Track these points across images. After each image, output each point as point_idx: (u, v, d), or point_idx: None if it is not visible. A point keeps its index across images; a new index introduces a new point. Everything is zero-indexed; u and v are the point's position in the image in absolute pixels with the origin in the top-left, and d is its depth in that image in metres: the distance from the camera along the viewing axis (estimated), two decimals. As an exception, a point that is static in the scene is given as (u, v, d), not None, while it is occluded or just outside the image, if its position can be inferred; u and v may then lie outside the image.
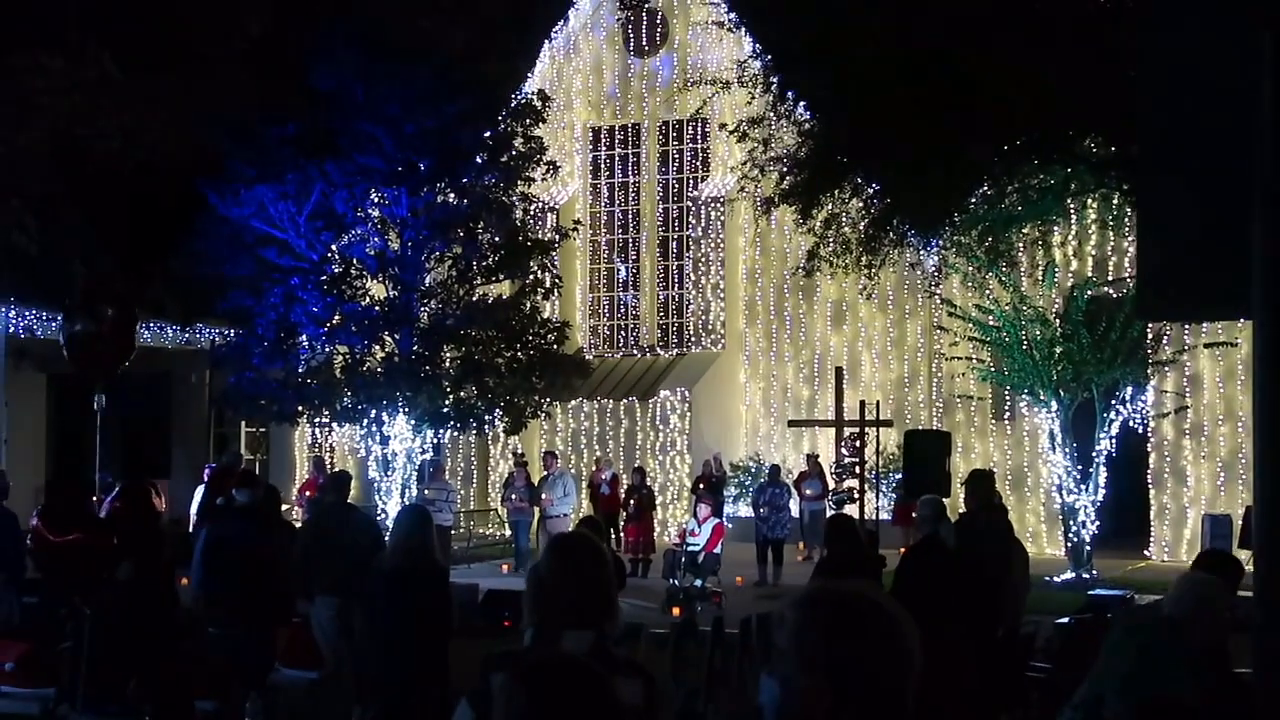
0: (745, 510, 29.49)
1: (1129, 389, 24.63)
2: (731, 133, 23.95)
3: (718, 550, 21.84)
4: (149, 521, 13.31)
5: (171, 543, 15.55)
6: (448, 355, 26.26)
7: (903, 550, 14.26)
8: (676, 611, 18.99)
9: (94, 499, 17.36)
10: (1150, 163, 4.01)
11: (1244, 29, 3.71)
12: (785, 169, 22.65)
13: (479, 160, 26.22)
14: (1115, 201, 23.14)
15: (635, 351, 36.31)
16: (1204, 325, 26.13)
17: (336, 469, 21.15)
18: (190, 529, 22.08)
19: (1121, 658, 6.39)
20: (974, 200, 22.62)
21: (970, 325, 25.31)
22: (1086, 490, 24.37)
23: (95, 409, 18.01)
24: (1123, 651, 6.43)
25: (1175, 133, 3.86)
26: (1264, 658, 3.72)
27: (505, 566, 25.95)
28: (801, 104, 22.80)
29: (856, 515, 21.06)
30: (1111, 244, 28.69)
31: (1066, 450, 24.46)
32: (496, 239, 26.48)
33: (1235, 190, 3.73)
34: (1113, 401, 24.44)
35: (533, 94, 28.21)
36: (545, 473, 26.71)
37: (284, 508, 20.18)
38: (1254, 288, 3.69)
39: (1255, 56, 3.68)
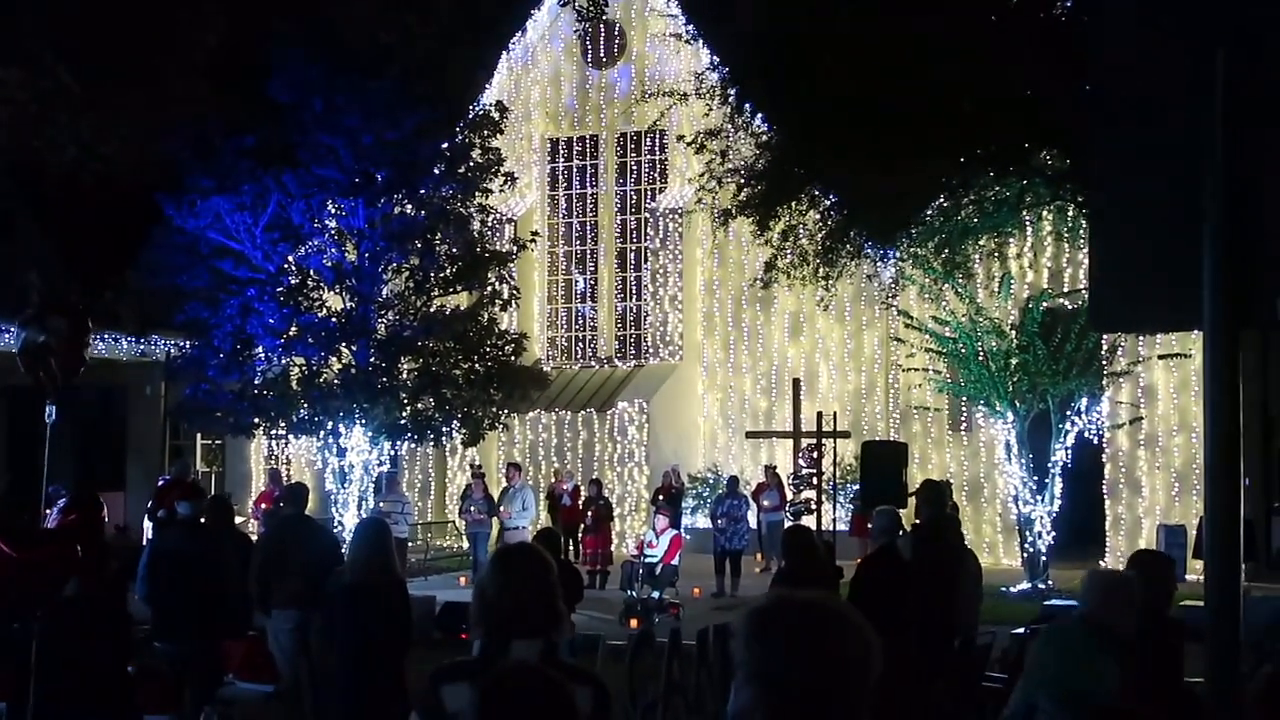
0: (703, 521, 29.51)
1: (1084, 400, 24.76)
2: (689, 144, 24.02)
3: (675, 562, 21.83)
4: (98, 535, 13.21)
5: (120, 556, 15.42)
6: (405, 367, 26.21)
7: (859, 561, 14.29)
8: (634, 623, 18.97)
9: (43, 512, 17.22)
10: (1102, 176, 4.04)
11: (1196, 44, 3.74)
12: (742, 181, 22.71)
13: (437, 172, 26.20)
14: (1070, 214, 23.29)
15: (593, 363, 36.29)
16: (1158, 337, 26.28)
17: (293, 481, 21.06)
18: (144, 542, 21.93)
19: (1045, 663, 6.48)
20: (930, 212, 22.75)
21: (927, 337, 25.41)
22: (1042, 501, 24.48)
23: (46, 421, 17.88)
24: (1045, 656, 6.52)
25: (1126, 145, 3.90)
26: (1216, 664, 3.75)
27: (463, 579, 25.87)
28: (759, 116, 22.87)
29: (814, 526, 21.11)
30: (1067, 256, 28.88)
31: (1022, 461, 24.58)
32: (454, 250, 26.46)
33: (1186, 203, 3.77)
34: (1068, 412, 24.56)
35: (491, 105, 28.19)
36: (506, 484, 26.66)
37: (239, 520, 20.07)
38: (1204, 300, 3.73)
39: (1207, 71, 3.72)
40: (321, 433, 26.12)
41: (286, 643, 12.74)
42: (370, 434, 25.84)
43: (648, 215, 35.55)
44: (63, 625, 8.04)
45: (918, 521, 13.32)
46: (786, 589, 3.26)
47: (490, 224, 29.05)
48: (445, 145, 26.47)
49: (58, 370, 15.17)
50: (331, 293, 26.17)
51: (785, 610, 3.07)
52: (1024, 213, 24.18)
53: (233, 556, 13.22)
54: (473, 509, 26.62)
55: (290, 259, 26.02)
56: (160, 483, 24.92)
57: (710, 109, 23.48)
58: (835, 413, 25.17)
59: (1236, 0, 3.76)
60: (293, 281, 25.71)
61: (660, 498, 27.74)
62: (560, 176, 37.11)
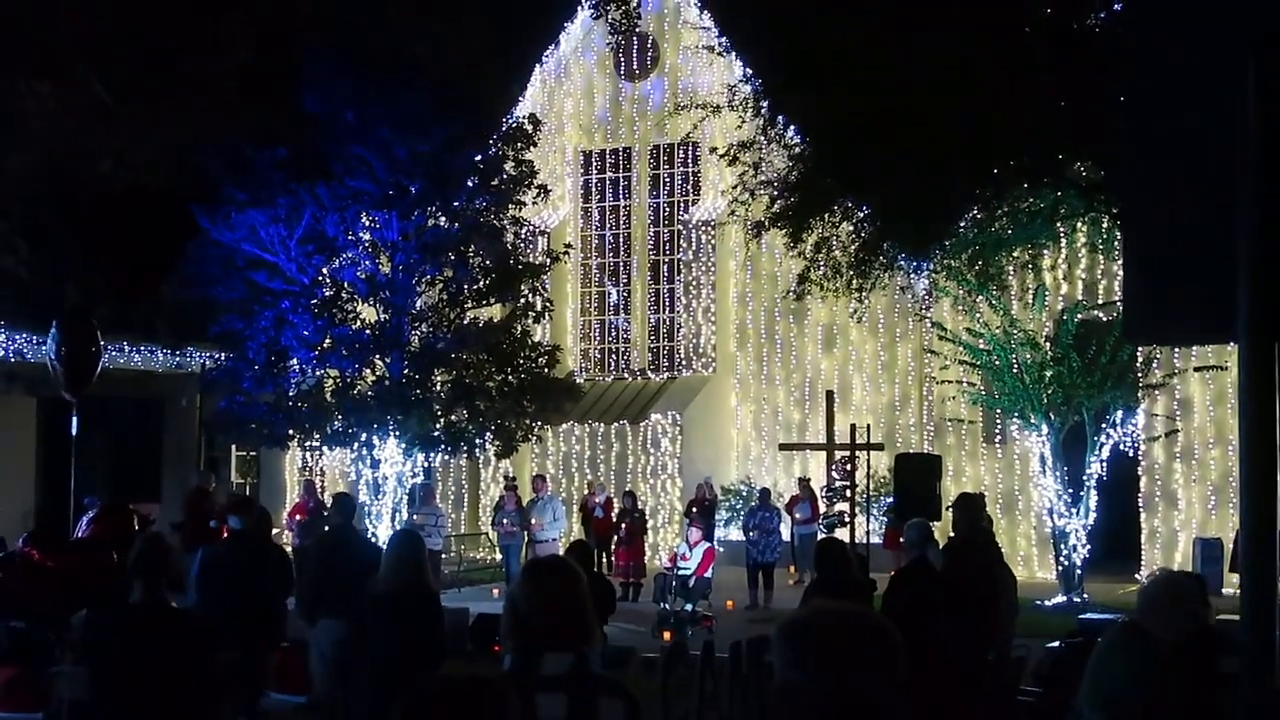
0: (736, 534, 29.45)
1: (1119, 412, 24.63)
2: (722, 156, 24.02)
3: (709, 574, 21.80)
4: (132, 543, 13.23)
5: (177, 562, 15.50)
6: (438, 379, 26.26)
7: (892, 574, 14.25)
8: (667, 636, 18.94)
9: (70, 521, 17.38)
10: (1134, 186, 4.02)
11: (1227, 51, 3.72)
12: (775, 193, 22.72)
13: (470, 184, 26.25)
14: (1104, 225, 23.20)
15: (626, 375, 36.29)
16: (1194, 349, 26.14)
17: (336, 491, 21.07)
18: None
19: (1087, 668, 6.46)
20: (964, 224, 22.70)
21: (961, 349, 25.33)
22: (1077, 514, 24.36)
23: (70, 431, 18.04)
24: (1089, 662, 6.50)
25: (1159, 155, 3.87)
26: (1250, 677, 3.72)
27: (496, 590, 25.90)
28: (791, 128, 22.86)
29: (847, 539, 21.06)
30: (1101, 267, 28.74)
31: (1057, 474, 24.46)
32: (487, 263, 26.50)
33: (1220, 213, 3.74)
34: (1103, 425, 24.45)
35: (524, 118, 28.24)
36: (535, 496, 26.69)
37: (274, 531, 20.13)
38: (1239, 311, 3.70)
39: (1239, 77, 3.69)
40: (355, 444, 26.18)
41: (330, 653, 12.76)
42: (404, 446, 25.89)
43: (681, 227, 35.55)
44: (126, 631, 7.92)
45: (952, 535, 13.27)
46: (823, 600, 3.25)
47: (523, 236, 29.08)
48: (479, 158, 26.53)
49: (62, 380, 15.22)
50: (365, 305, 26.24)
51: (814, 622, 3.07)
52: (1058, 224, 24.07)
53: (271, 567, 13.29)
54: (505, 521, 26.66)
55: (324, 271, 26.11)
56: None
57: (743, 121, 23.48)
58: (869, 425, 25.10)
59: (1268, 6, 3.73)
60: (327, 294, 25.79)
61: (694, 510, 27.71)
62: (593, 189, 37.15)
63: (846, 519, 23.34)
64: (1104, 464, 24.66)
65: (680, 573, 21.57)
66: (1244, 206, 3.68)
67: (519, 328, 26.96)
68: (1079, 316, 24.78)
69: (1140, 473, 29.61)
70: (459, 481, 36.13)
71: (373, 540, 19.10)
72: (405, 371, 25.70)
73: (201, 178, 25.75)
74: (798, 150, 22.90)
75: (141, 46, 25.62)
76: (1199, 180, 3.81)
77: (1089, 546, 24.52)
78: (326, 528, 15.52)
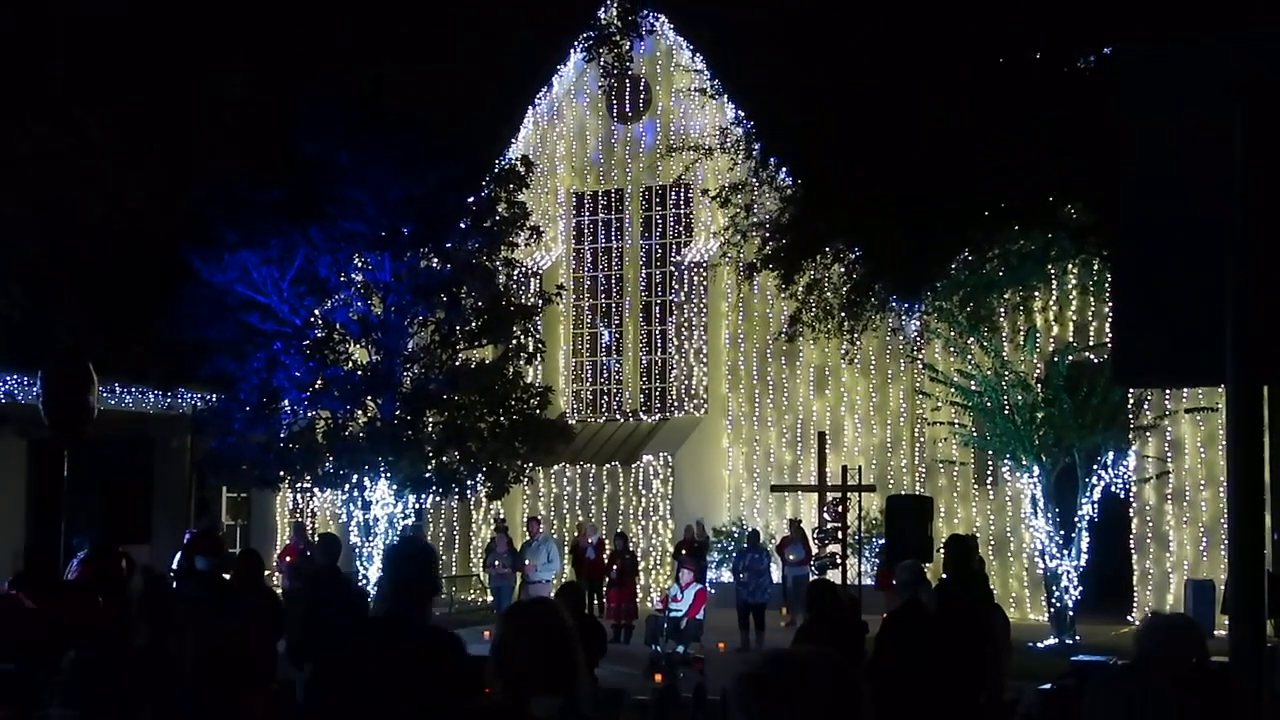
0: (728, 576, 29.41)
1: (1110, 454, 24.66)
2: (714, 198, 24.10)
3: (700, 616, 21.74)
4: (120, 586, 13.24)
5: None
6: (430, 420, 26.23)
7: (884, 615, 14.23)
8: (659, 678, 18.86)
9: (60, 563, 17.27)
10: (1123, 230, 4.04)
11: (1215, 98, 3.75)
12: (767, 234, 22.77)
13: (462, 225, 26.29)
14: (1095, 267, 23.28)
15: (618, 416, 36.28)
16: (1185, 390, 26.19)
17: (324, 533, 21.01)
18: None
19: (1087, 711, 6.46)
20: (955, 266, 22.74)
21: (952, 390, 25.36)
22: (1069, 555, 24.35)
23: (61, 474, 17.94)
24: (1089, 705, 6.50)
25: (1148, 200, 3.90)
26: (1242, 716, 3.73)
27: (487, 633, 25.79)
28: (783, 170, 22.94)
29: (839, 580, 21.03)
30: (1092, 309, 28.79)
31: (1049, 515, 24.46)
32: (479, 304, 26.52)
33: (1208, 257, 3.76)
34: (1094, 466, 24.46)
35: (516, 159, 28.31)
36: (529, 538, 26.62)
37: (264, 573, 20.03)
38: (1227, 354, 3.72)
39: (1226, 124, 3.72)
40: (347, 486, 26.14)
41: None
42: (395, 487, 25.84)
43: (673, 269, 35.60)
44: (126, 676, 7.89)
45: (944, 576, 13.26)
46: (775, 649, 3.22)
47: (516, 278, 29.12)
48: (471, 199, 26.58)
49: (50, 427, 15.15)
50: (357, 346, 26.24)
51: (768, 672, 3.04)
52: (1049, 266, 24.14)
53: (255, 609, 13.21)
54: (497, 562, 26.60)
55: (317, 312, 26.11)
56: (188, 536, 24.97)
57: (735, 163, 23.57)
58: (860, 466, 25.08)
59: (1255, 54, 3.77)
60: (319, 335, 25.79)
61: (682, 552, 27.66)
62: (585, 230, 37.20)
63: (838, 561, 23.31)
64: (1095, 505, 24.67)
65: (672, 614, 21.51)
66: (1231, 250, 3.71)
67: (511, 369, 26.96)
68: (1070, 358, 24.82)
69: (1131, 514, 29.59)
70: (450, 523, 36.05)
71: (356, 582, 19.06)
72: (397, 413, 25.68)
73: (195, 219, 25.76)
74: (789, 192, 22.98)
75: (137, 88, 25.69)
76: (1187, 224, 3.84)
77: (1080, 588, 24.50)
78: (312, 570, 15.46)
